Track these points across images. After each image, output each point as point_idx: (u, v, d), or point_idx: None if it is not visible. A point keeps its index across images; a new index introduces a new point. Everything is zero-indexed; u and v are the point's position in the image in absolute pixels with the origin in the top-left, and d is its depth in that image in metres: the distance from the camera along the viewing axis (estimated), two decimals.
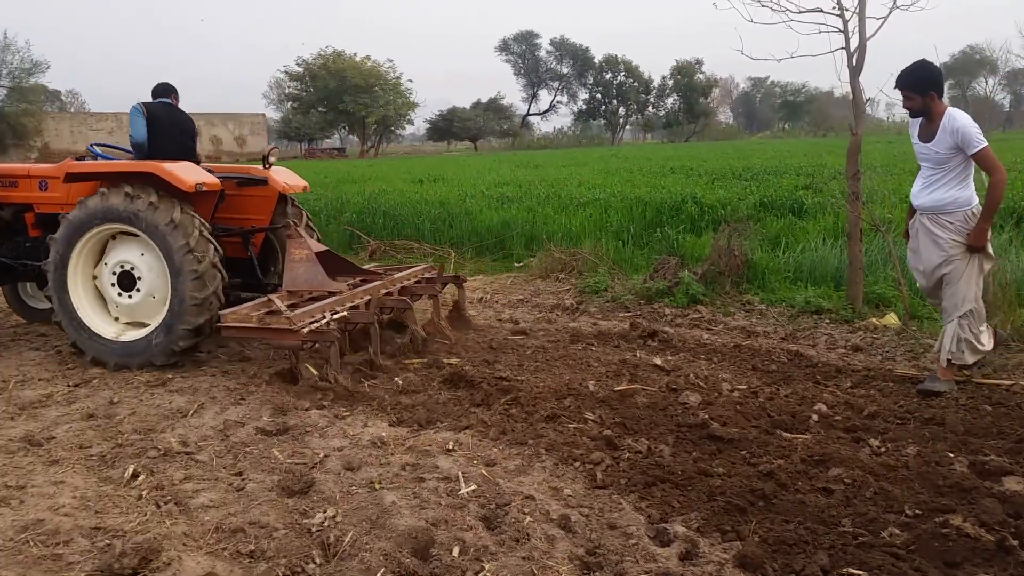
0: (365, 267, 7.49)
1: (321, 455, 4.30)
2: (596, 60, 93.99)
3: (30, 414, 5.08)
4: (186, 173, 6.03)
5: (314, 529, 3.47)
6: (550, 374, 5.85)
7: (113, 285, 6.20)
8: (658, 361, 6.12)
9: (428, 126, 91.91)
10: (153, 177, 5.99)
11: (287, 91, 79.65)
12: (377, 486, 3.91)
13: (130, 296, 6.17)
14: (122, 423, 4.84)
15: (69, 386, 5.66)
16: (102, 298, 6.33)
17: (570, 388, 5.43)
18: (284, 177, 6.98)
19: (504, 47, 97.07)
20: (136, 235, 6.02)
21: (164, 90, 6.97)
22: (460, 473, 4.03)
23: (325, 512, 3.59)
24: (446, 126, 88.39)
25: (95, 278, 6.30)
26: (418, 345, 6.45)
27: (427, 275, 7.27)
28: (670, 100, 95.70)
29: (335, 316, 5.67)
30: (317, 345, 5.70)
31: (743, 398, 5.29)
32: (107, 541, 3.37)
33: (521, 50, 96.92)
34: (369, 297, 6.27)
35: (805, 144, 46.82)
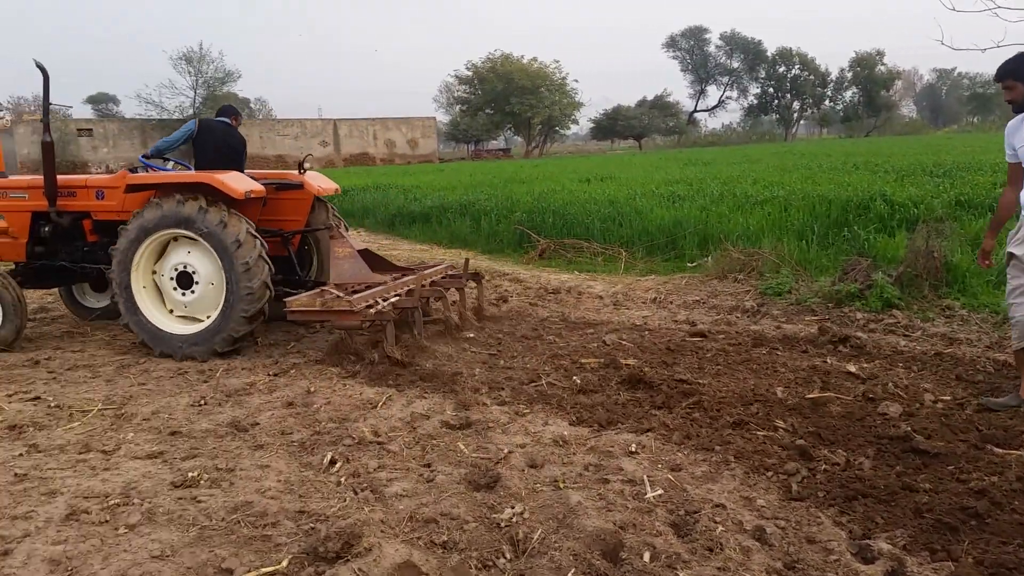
0: (398, 265, 8.13)
1: (505, 451, 4.34)
2: (769, 53, 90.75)
3: (236, 401, 5.44)
4: (236, 182, 6.64)
5: (503, 524, 3.50)
6: (733, 378, 5.65)
7: (173, 284, 6.78)
8: (852, 368, 5.78)
9: (592, 125, 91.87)
10: (206, 186, 6.57)
11: (456, 94, 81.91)
12: (562, 485, 3.89)
13: (189, 293, 6.75)
14: (319, 412, 5.09)
15: (269, 375, 6.02)
16: (161, 296, 6.89)
17: (756, 394, 5.22)
18: (318, 181, 7.68)
19: (671, 43, 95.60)
20: (192, 238, 6.61)
21: (226, 111, 7.96)
22: (645, 476, 3.96)
23: (513, 508, 3.62)
24: (610, 125, 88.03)
25: (155, 273, 6.87)
26: (451, 328, 7.11)
27: (451, 272, 7.94)
28: (848, 93, 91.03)
29: (387, 301, 6.40)
30: (370, 326, 6.26)
31: (948, 410, 4.91)
32: (311, 525, 3.54)
33: (689, 46, 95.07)
34: (411, 287, 6.91)
35: (998, 139, 43.18)
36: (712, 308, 8.24)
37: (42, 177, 7.38)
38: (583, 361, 6.15)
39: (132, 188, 7.02)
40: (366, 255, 7.37)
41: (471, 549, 3.31)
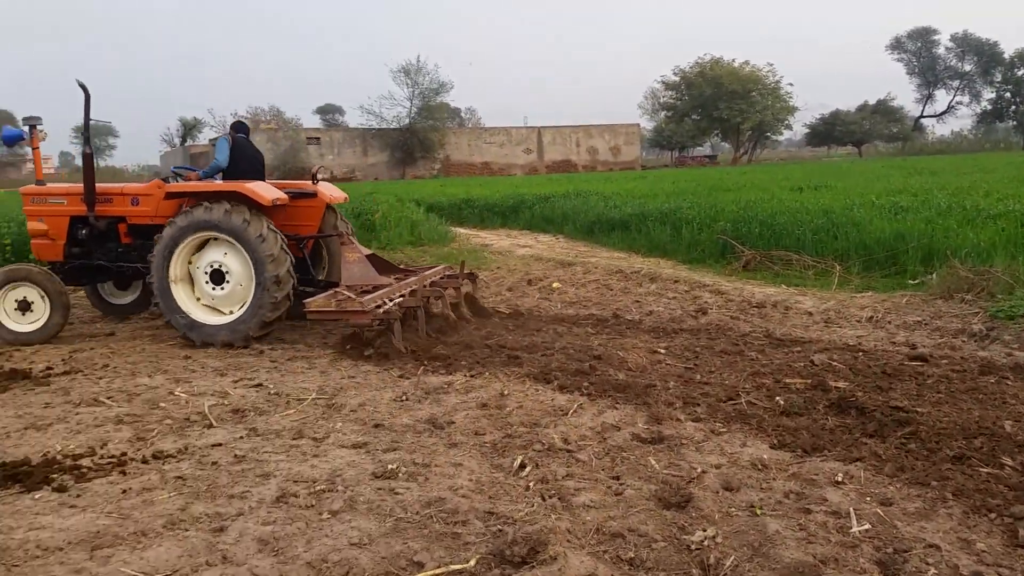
0: (400, 267, 8.95)
1: (698, 470, 4.19)
2: (1006, 55, 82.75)
3: (435, 399, 5.63)
4: (264, 191, 7.55)
5: (693, 547, 3.37)
6: (955, 408, 5.15)
7: (206, 279, 7.56)
8: None
9: (807, 130, 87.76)
10: (238, 195, 7.41)
11: (662, 100, 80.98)
12: (759, 511, 3.70)
13: (220, 289, 7.56)
14: (511, 415, 5.16)
15: (466, 376, 6.18)
16: (194, 290, 7.65)
17: (981, 426, 4.72)
18: (329, 190, 8.50)
19: (896, 45, 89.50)
20: (225, 240, 7.43)
21: (241, 126, 8.91)
22: (851, 509, 3.68)
23: (704, 531, 3.48)
24: (827, 130, 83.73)
25: (190, 264, 7.62)
26: (452, 323, 7.78)
27: (448, 273, 8.74)
28: None
29: (394, 301, 7.17)
30: (380, 324, 6.95)
31: None
32: (499, 527, 3.58)
33: (916, 47, 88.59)
34: (414, 287, 7.61)
35: None
36: (935, 330, 7.58)
37: (77, 185, 8.25)
38: (787, 381, 5.84)
39: (171, 196, 7.85)
40: (373, 259, 8.19)
41: (658, 569, 3.22)
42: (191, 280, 7.66)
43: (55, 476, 4.23)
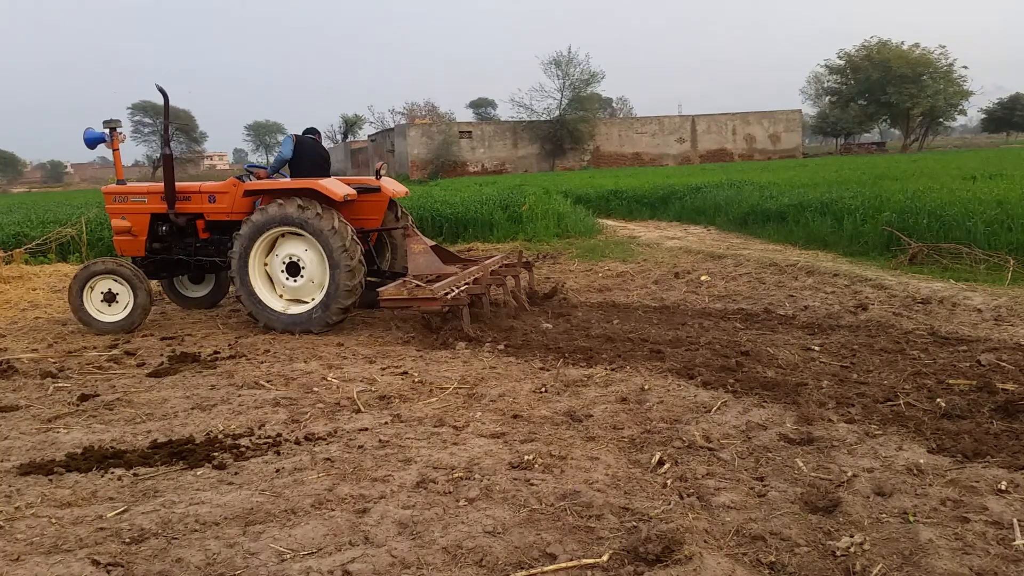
0: (463, 257, 9.35)
1: (849, 474, 3.97)
2: None
3: (573, 391, 5.61)
4: (336, 187, 7.97)
5: (839, 553, 3.20)
6: None
7: (283, 271, 7.98)
8: None
9: (983, 116, 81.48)
10: (312, 191, 7.86)
11: (826, 85, 77.28)
12: (911, 518, 3.47)
13: (295, 280, 7.97)
14: (651, 410, 5.08)
15: (607, 369, 6.13)
16: (271, 280, 8.08)
17: None
18: (392, 185, 8.89)
19: None
20: (300, 234, 7.84)
21: (312, 130, 9.26)
22: (1015, 520, 3.39)
23: (852, 537, 3.29)
24: (1005, 116, 77.48)
25: (266, 265, 8.06)
26: (511, 310, 8.21)
27: (506, 262, 9.14)
28: None
29: (460, 288, 7.59)
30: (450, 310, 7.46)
31: None
32: (634, 523, 3.52)
33: None
34: (478, 275, 8.09)
35: None
36: None
37: (157, 184, 8.82)
38: (951, 382, 5.44)
39: (249, 193, 8.37)
40: (436, 250, 8.71)
41: (799, 574, 3.07)
42: (268, 272, 8.13)
43: (216, 454, 4.52)
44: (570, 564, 3.20)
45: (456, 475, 4.12)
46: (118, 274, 8.32)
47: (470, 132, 60.24)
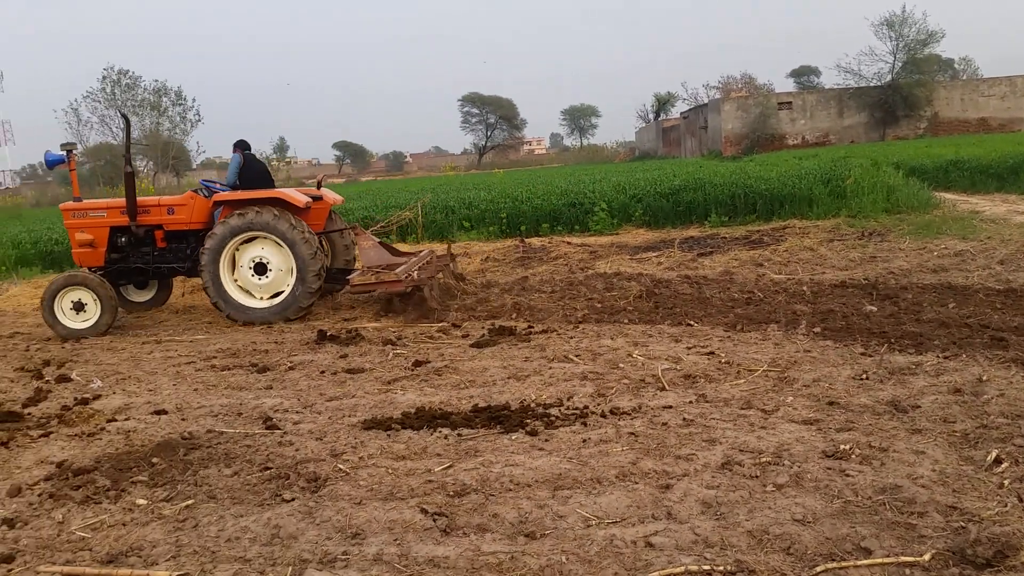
0: (402, 251, 10.19)
1: None
2: None
3: (899, 380, 5.19)
4: (299, 196, 9.08)
5: None
6: None
7: (251, 271, 8.94)
8: None
9: None
10: (279, 200, 8.92)
11: None
12: None
13: (264, 278, 8.97)
14: (989, 404, 4.55)
15: (939, 357, 5.58)
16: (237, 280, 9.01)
17: None
18: (330, 195, 9.85)
19: None
20: (266, 237, 8.84)
21: (244, 144, 9.91)
22: None
23: None
24: None
25: (235, 259, 8.99)
26: (452, 292, 9.32)
27: (438, 253, 10.12)
28: None
29: (418, 272, 8.72)
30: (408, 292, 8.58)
31: None
32: (962, 523, 3.20)
33: None
34: (427, 262, 9.26)
35: None
36: None
37: (116, 199, 9.74)
38: None
39: (218, 204, 9.17)
40: (383, 245, 9.74)
41: None
42: (233, 271, 9.02)
43: (528, 421, 4.81)
44: (887, 560, 2.99)
45: (763, 459, 4.00)
46: (88, 286, 8.92)
47: (790, 103, 57.26)
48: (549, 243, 13.56)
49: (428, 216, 16.90)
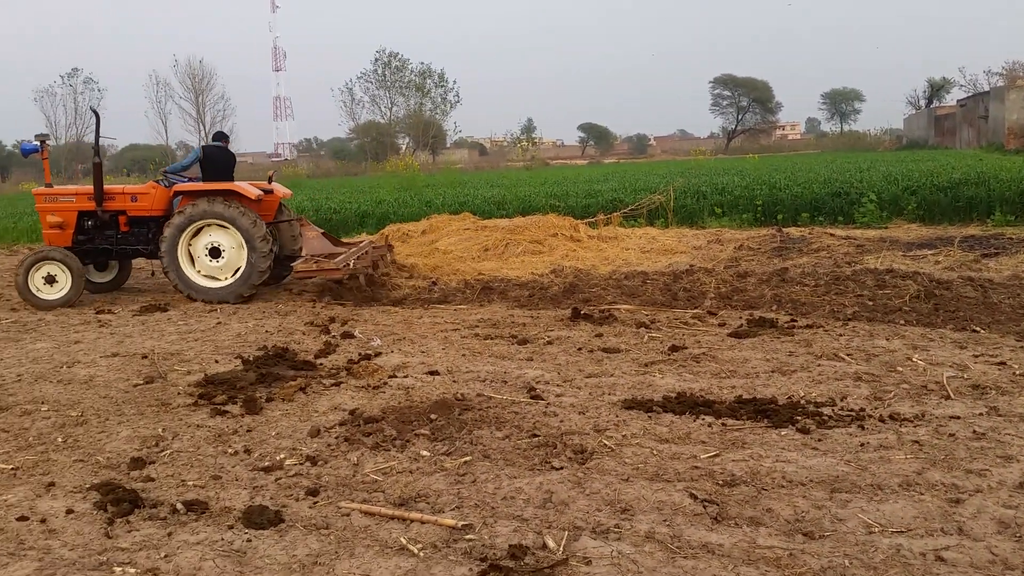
0: (344, 241, 11.41)
1: None
2: None
3: None
4: (252, 189, 9.96)
5: None
6: None
7: (207, 255, 9.80)
8: None
9: None
10: (232, 192, 9.85)
11: None
12: None
13: (217, 261, 9.80)
14: None
15: None
16: (191, 260, 9.88)
17: None
18: (281, 189, 10.86)
19: None
20: (220, 225, 9.74)
21: (219, 135, 11.11)
22: None
23: None
24: None
25: (191, 244, 9.86)
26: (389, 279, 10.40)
27: (377, 244, 11.45)
28: None
29: (355, 261, 9.67)
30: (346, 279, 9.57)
31: None
32: None
33: None
34: (364, 252, 10.20)
35: None
36: None
37: (85, 186, 10.69)
38: None
39: (179, 194, 10.08)
40: (325, 236, 10.64)
41: None
42: (191, 254, 9.85)
43: (799, 418, 4.63)
44: None
45: None
46: (60, 261, 9.82)
47: None
48: (809, 233, 12.91)
49: (678, 200, 16.69)
